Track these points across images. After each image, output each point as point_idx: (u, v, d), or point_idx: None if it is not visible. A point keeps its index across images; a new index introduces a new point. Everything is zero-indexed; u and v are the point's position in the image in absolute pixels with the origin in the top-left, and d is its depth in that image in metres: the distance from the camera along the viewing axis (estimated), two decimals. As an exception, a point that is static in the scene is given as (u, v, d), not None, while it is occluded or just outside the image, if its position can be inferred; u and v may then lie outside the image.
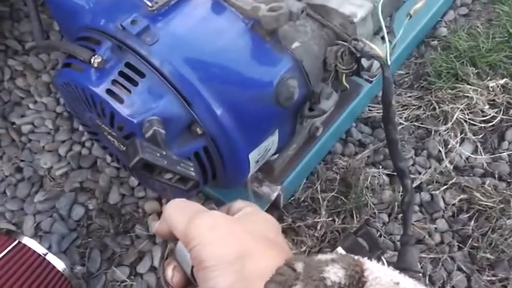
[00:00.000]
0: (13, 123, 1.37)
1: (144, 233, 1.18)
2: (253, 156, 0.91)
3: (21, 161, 1.31)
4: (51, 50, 1.43)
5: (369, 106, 1.39)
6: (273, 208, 1.19)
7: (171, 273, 0.50)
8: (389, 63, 0.88)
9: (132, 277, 1.14)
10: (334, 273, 0.37)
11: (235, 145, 0.85)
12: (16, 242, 0.98)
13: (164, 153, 0.71)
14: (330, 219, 1.19)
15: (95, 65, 0.78)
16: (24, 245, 0.98)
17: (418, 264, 1.13)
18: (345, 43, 0.84)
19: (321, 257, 0.40)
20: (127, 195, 1.24)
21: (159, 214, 1.21)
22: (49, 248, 1.14)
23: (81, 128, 1.34)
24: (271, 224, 0.49)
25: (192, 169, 0.75)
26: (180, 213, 0.47)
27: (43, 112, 1.39)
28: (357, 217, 1.19)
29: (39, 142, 1.34)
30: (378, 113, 1.38)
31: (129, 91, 0.77)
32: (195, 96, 0.78)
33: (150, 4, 0.80)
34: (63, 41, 0.86)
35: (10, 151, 1.32)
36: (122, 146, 0.89)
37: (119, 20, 0.80)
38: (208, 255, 0.41)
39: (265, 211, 1.15)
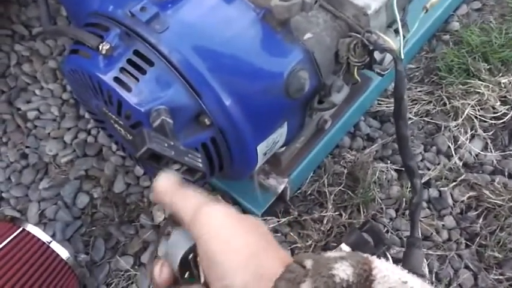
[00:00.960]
0: (19, 109, 1.36)
1: (148, 222, 1.17)
2: (261, 148, 0.90)
3: (27, 147, 1.30)
4: (58, 35, 1.42)
5: (378, 100, 1.37)
6: (279, 201, 1.18)
7: (158, 270, 0.49)
8: (402, 57, 0.86)
9: (136, 267, 1.13)
10: (343, 270, 0.36)
11: (244, 137, 0.84)
12: (20, 229, 0.97)
13: (172, 143, 0.70)
14: (337, 213, 1.18)
15: (103, 52, 0.76)
16: (28, 233, 0.97)
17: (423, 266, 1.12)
18: (358, 35, 0.82)
19: (330, 254, 0.39)
20: (132, 184, 1.23)
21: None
22: (53, 236, 1.13)
23: (87, 115, 1.33)
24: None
25: (200, 160, 0.73)
26: (188, 199, 0.46)
27: (49, 98, 1.38)
28: (363, 212, 1.18)
29: (45, 129, 1.33)
30: (387, 107, 1.36)
31: (137, 79, 0.76)
32: (204, 86, 0.77)
33: (160, -9, 0.78)
34: (70, 26, 0.85)
35: (15, 137, 1.32)
36: (128, 135, 0.88)
37: (127, 6, 0.78)
38: (221, 248, 0.40)
39: (272, 204, 1.14)
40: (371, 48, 0.83)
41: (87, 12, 0.86)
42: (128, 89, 0.76)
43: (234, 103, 0.79)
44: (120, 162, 1.26)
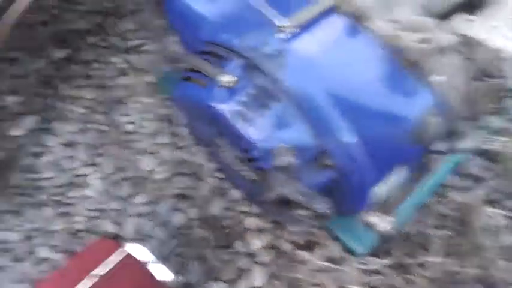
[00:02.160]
0: (116, 121, 1.37)
1: (244, 250, 1.14)
2: (379, 189, 0.85)
3: (123, 160, 1.30)
4: (175, 61, 1.39)
5: (487, 138, 1.28)
6: (382, 240, 1.11)
7: None
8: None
9: (230, 295, 1.10)
10: None
11: (364, 179, 0.79)
12: (121, 248, 0.96)
13: (299, 187, 0.66)
14: (443, 259, 1.10)
15: (224, 83, 0.74)
16: (128, 253, 0.96)
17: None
18: (493, 79, 0.75)
19: None
20: (228, 207, 1.20)
21: (261, 231, 1.17)
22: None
23: (183, 132, 1.32)
24: None
25: (328, 205, 0.70)
26: None
27: (145, 113, 1.38)
28: (472, 260, 1.09)
29: (141, 143, 1.32)
30: (495, 145, 1.27)
31: (259, 115, 0.73)
32: (328, 125, 0.73)
33: (281, 23, 0.75)
34: (189, 54, 0.83)
35: (112, 150, 1.32)
36: (239, 167, 0.85)
37: (248, 37, 0.76)
38: None
39: (374, 243, 1.08)
40: (506, 94, 0.76)
41: (201, 40, 0.84)
42: (249, 124, 0.73)
43: (359, 145, 0.74)
44: (217, 184, 1.23)
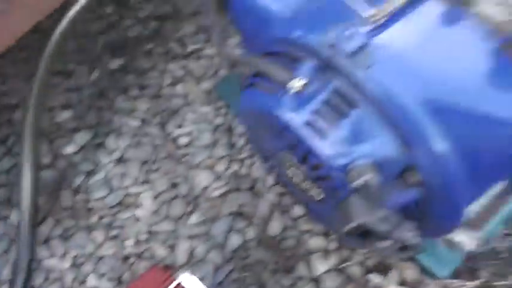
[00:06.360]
0: (170, 134, 1.29)
1: (307, 274, 1.02)
2: (473, 208, 0.71)
3: (177, 176, 1.21)
4: (239, 65, 1.25)
5: None
6: (467, 259, 0.98)
7: None
8: None
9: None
10: None
11: (458, 198, 0.66)
12: (173, 279, 0.87)
13: (384, 214, 0.54)
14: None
15: (295, 89, 0.62)
16: (181, 284, 0.87)
17: None
18: None
19: None
20: (289, 226, 1.09)
21: (326, 252, 1.05)
22: (202, 279, 1.02)
23: (240, 143, 1.22)
24: None
25: (416, 234, 0.57)
26: None
27: (201, 123, 1.29)
28: None
29: (196, 157, 1.23)
30: None
31: (335, 125, 0.61)
32: (419, 137, 0.60)
33: (367, 14, 0.62)
34: (255, 56, 0.72)
35: (166, 165, 1.24)
36: (305, 184, 0.73)
37: (324, 32, 0.64)
38: None
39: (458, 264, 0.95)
40: None
41: (270, 38, 0.73)
42: (322, 137, 0.61)
43: (455, 158, 0.61)
44: (276, 200, 1.13)
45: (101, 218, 1.18)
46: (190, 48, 1.43)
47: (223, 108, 1.29)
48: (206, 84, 1.35)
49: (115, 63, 1.42)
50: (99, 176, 1.24)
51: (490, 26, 0.60)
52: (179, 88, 1.36)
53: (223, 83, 1.29)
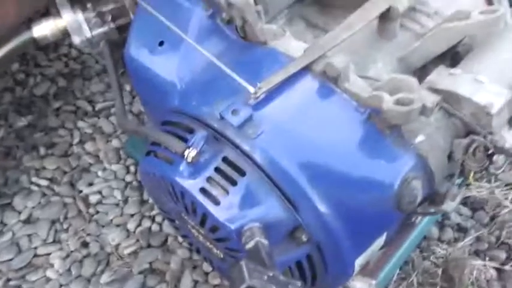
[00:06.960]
0: (80, 192, 1.29)
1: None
2: (359, 260, 0.78)
3: (88, 234, 1.22)
4: (135, 134, 1.20)
5: (467, 184, 1.24)
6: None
7: None
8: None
9: None
10: None
11: (343, 253, 0.73)
12: None
13: (271, 274, 0.59)
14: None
15: (189, 159, 0.68)
16: None
17: None
18: (479, 137, 0.70)
19: None
20: (200, 281, 1.13)
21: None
22: None
23: (151, 200, 1.25)
24: None
25: (302, 290, 0.63)
26: None
27: (112, 181, 1.30)
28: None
29: (107, 215, 1.25)
30: (477, 191, 1.22)
31: (227, 191, 0.67)
32: (302, 199, 0.67)
33: (252, 90, 0.69)
34: (150, 127, 0.77)
35: (77, 223, 1.24)
36: (207, 243, 0.78)
37: (215, 105, 0.70)
38: None
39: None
40: (493, 151, 0.71)
41: (166, 108, 0.79)
42: (216, 202, 0.67)
43: (336, 217, 0.69)
44: (187, 256, 1.16)
45: (8, 280, 1.16)
46: (99, 106, 1.45)
47: (133, 165, 1.32)
48: (115, 142, 1.37)
49: (21, 122, 1.41)
50: (6, 237, 1.22)
51: (358, 101, 0.69)
52: (88, 146, 1.37)
53: (132, 140, 1.32)
